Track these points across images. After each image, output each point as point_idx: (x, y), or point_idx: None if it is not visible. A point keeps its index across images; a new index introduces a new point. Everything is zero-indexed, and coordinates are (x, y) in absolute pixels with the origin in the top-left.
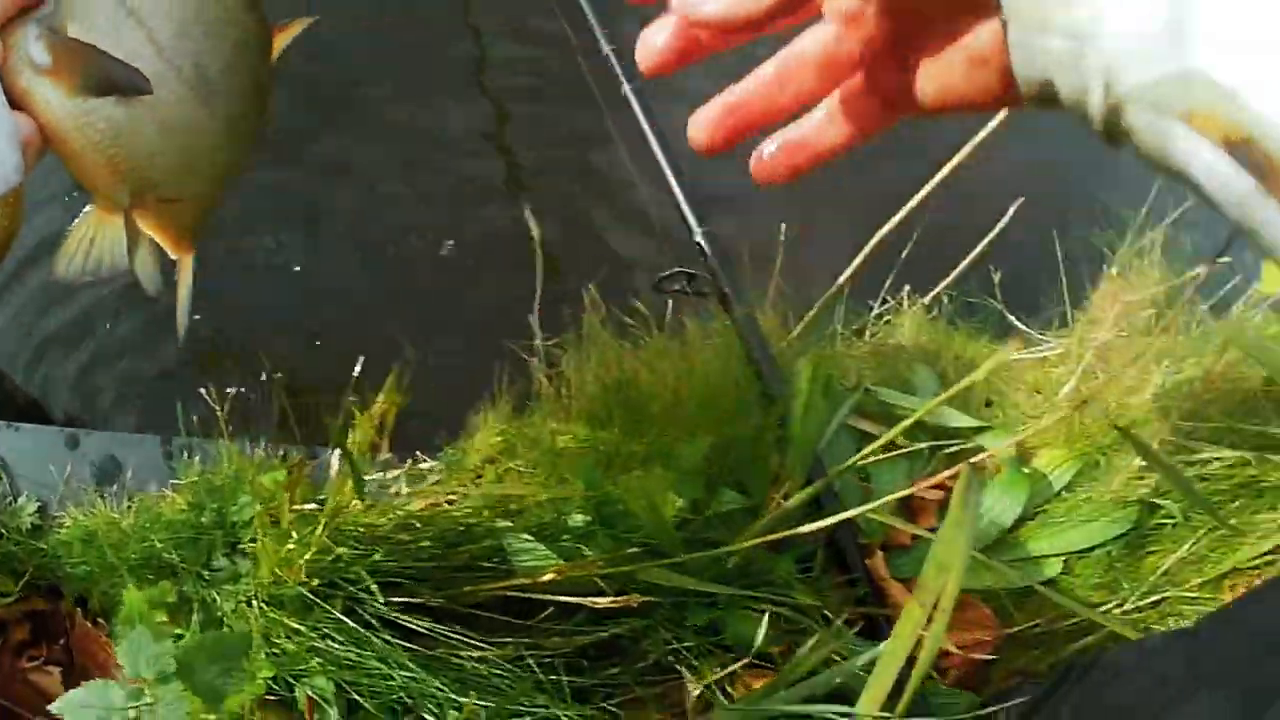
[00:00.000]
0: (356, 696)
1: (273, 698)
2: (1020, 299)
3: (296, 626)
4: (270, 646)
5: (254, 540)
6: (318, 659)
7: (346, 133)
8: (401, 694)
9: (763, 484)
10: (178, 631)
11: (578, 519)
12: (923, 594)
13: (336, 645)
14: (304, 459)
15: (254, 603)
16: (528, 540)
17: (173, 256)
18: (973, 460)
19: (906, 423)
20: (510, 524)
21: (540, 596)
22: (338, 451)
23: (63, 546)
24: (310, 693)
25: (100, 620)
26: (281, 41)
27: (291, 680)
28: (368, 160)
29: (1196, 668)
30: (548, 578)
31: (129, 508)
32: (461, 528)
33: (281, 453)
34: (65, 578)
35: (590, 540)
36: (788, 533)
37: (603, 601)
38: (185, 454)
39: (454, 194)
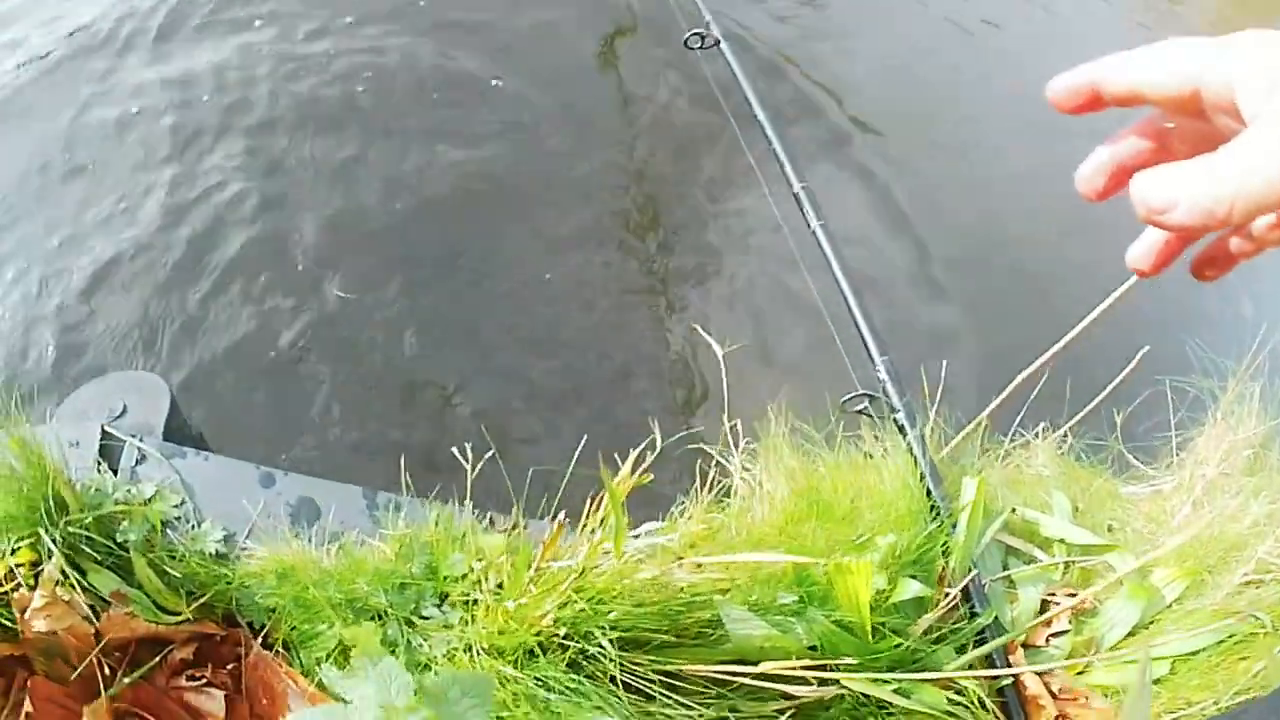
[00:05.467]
0: None
1: None
2: (1132, 435)
3: (515, 675)
4: None
5: (466, 594)
6: (529, 707)
7: None
8: None
9: (931, 581)
10: None
11: (787, 598)
12: None
13: (550, 695)
14: (527, 524)
15: (471, 650)
16: (745, 614)
17: None
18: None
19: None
20: (727, 598)
21: (748, 670)
22: (551, 520)
23: (253, 577)
24: None
25: (281, 651)
26: None
27: None
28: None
29: None
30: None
31: (329, 550)
32: (686, 598)
33: (488, 518)
34: (250, 607)
35: (797, 617)
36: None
37: (803, 691)
38: (390, 507)
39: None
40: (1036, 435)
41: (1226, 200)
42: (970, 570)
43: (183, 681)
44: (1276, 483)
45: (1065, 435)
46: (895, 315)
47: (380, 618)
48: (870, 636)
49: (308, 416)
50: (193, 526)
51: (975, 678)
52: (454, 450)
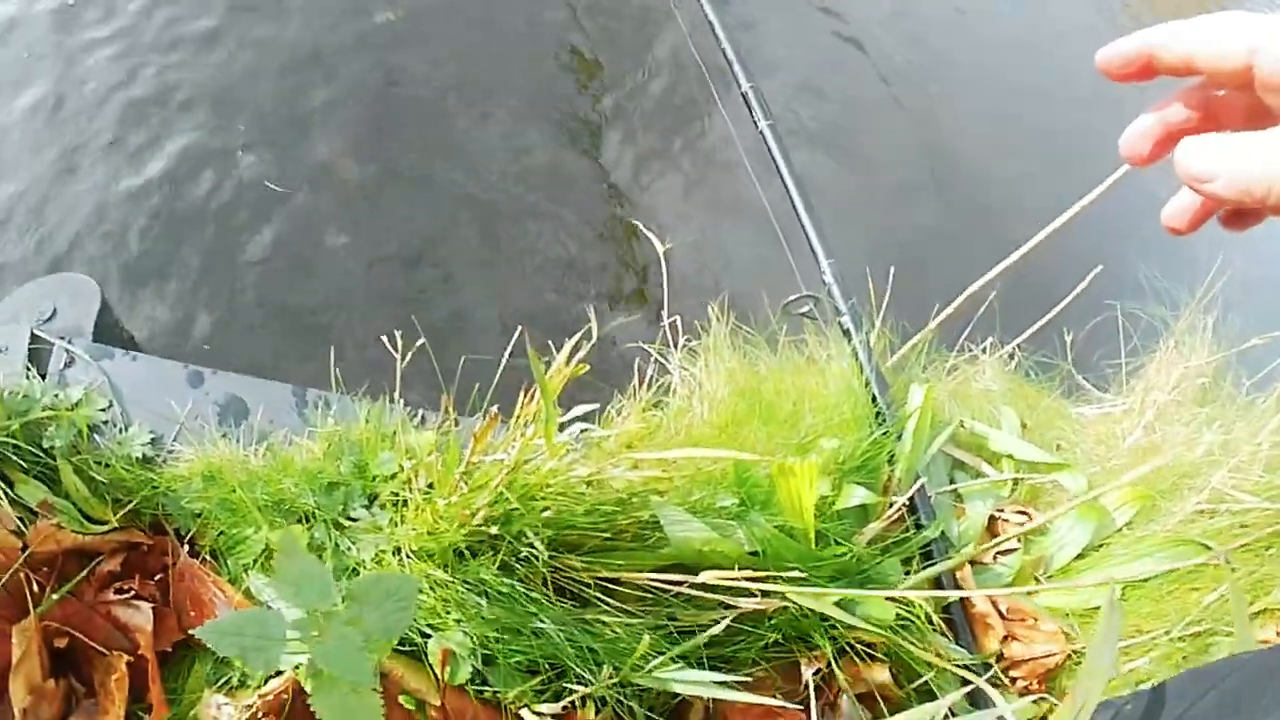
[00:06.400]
0: (500, 654)
1: (404, 649)
2: (1083, 361)
3: (445, 579)
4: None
5: (396, 494)
6: (458, 615)
7: None
8: (540, 652)
9: (876, 489)
10: None
11: (727, 501)
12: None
13: (481, 600)
14: (458, 419)
15: (400, 553)
16: (683, 515)
17: None
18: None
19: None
20: (665, 499)
21: (687, 580)
22: (477, 418)
23: (179, 481)
24: (446, 646)
25: (209, 559)
26: None
27: (427, 633)
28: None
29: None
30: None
31: (256, 450)
32: (620, 498)
33: (420, 415)
34: (176, 513)
35: (738, 520)
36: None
37: (745, 603)
38: (319, 405)
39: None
40: (984, 351)
41: (1265, 183)
42: (917, 480)
43: (110, 595)
44: (1229, 413)
45: (1014, 354)
46: (845, 225)
47: (307, 520)
48: (814, 543)
49: (237, 312)
50: (120, 430)
51: (923, 596)
52: (384, 339)
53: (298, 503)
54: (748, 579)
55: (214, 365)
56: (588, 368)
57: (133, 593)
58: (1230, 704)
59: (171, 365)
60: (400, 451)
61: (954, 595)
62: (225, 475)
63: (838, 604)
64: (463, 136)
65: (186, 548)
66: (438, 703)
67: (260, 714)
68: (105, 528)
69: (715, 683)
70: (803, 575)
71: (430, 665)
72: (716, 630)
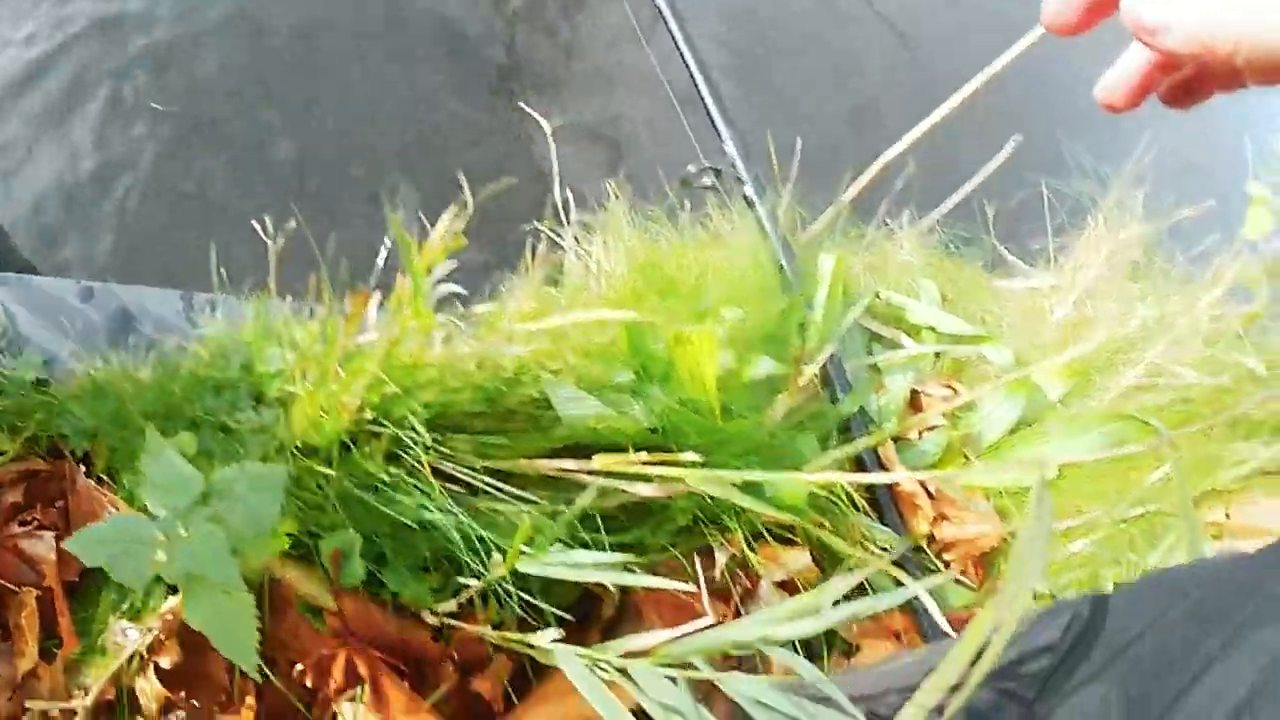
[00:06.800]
0: (392, 552)
1: (295, 553)
2: (1007, 237)
3: (329, 473)
4: (298, 500)
5: (282, 391)
6: (347, 511)
7: None
8: (431, 547)
9: (786, 360)
10: None
11: (623, 375)
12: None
13: (369, 495)
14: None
15: (284, 450)
16: (575, 391)
17: None
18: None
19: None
20: (556, 377)
21: (583, 467)
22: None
23: (72, 400)
24: (336, 546)
25: (105, 479)
26: None
27: (317, 533)
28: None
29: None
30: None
31: (146, 361)
32: (508, 377)
33: (309, 310)
34: (72, 434)
35: (636, 397)
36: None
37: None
38: (208, 308)
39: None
40: (901, 225)
41: (1232, 34)
42: (830, 352)
43: (15, 529)
44: (1164, 288)
45: (933, 229)
46: (748, 99)
47: (197, 426)
48: (719, 418)
49: (128, 225)
50: (15, 355)
51: (841, 477)
52: (260, 229)
53: (186, 410)
54: (645, 462)
55: (108, 280)
56: (466, 243)
57: (36, 523)
58: (1209, 614)
59: (63, 284)
60: (286, 346)
61: (877, 479)
62: (115, 389)
63: (747, 486)
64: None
65: (83, 469)
66: (334, 608)
67: (162, 637)
68: (4, 457)
69: (609, 565)
70: (706, 453)
71: (325, 569)
72: (580, 502)
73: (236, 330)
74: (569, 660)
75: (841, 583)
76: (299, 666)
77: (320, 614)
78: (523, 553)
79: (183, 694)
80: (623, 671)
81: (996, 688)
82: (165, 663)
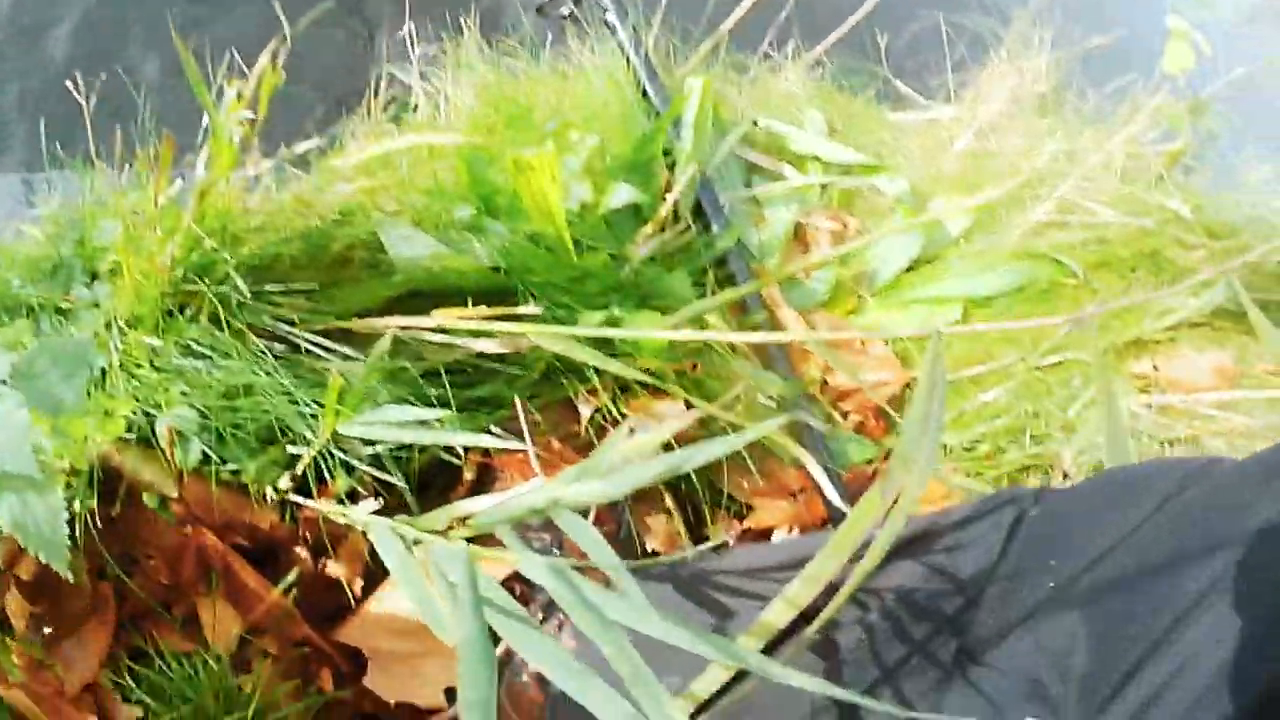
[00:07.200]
0: (227, 426)
1: (131, 436)
2: (902, 71)
3: (155, 344)
4: (131, 379)
5: (114, 264)
6: (180, 387)
7: None
8: (264, 416)
9: (652, 191)
10: None
11: (463, 211)
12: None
13: (200, 365)
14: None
15: (112, 325)
16: (409, 230)
17: None
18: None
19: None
20: (389, 216)
21: (421, 324)
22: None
23: None
24: (171, 424)
25: None
26: None
27: (151, 413)
28: None
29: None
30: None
31: None
32: (337, 218)
33: (147, 177)
34: None
35: (477, 234)
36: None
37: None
38: (46, 187)
39: None
40: (786, 57)
41: None
42: (701, 180)
43: None
44: (1074, 124)
45: (820, 61)
46: None
47: (33, 313)
48: (572, 253)
49: None
50: None
51: (720, 311)
52: (68, 84)
53: (22, 296)
54: (485, 317)
55: None
56: (284, 76)
57: None
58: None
59: None
60: (121, 216)
61: (776, 338)
62: None
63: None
64: None
65: None
66: (175, 494)
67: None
68: None
69: (435, 423)
70: (558, 293)
71: (163, 451)
72: (374, 354)
73: (73, 206)
74: (379, 532)
75: (645, 437)
76: (152, 561)
77: (165, 503)
78: (339, 413)
79: (46, 605)
80: (417, 543)
81: (917, 589)
82: (24, 574)
